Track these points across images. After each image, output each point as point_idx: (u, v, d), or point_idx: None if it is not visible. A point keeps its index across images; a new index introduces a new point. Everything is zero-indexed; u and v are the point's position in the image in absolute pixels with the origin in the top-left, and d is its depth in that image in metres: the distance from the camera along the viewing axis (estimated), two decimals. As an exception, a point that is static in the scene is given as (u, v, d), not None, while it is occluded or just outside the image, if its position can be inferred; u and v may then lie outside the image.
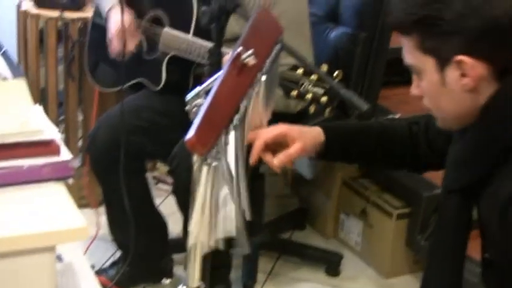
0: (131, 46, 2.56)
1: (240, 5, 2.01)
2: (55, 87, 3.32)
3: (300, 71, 1.86)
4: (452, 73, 1.43)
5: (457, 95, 1.45)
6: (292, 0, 2.48)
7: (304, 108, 2.00)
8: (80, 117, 3.45)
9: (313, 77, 1.84)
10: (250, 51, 1.38)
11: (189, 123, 2.27)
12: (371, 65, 2.74)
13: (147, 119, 2.58)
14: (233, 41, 2.35)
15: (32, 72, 3.32)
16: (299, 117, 2.40)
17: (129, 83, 2.63)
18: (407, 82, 3.76)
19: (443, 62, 1.43)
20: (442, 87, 1.45)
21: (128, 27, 2.53)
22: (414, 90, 1.53)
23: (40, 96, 3.35)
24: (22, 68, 3.28)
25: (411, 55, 1.47)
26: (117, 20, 2.53)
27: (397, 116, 3.14)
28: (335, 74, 1.73)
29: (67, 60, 3.27)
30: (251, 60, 1.38)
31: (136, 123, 2.56)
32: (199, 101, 1.40)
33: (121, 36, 2.47)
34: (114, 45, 2.55)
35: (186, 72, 2.53)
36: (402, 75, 3.83)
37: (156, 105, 2.59)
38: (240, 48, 1.39)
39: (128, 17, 2.56)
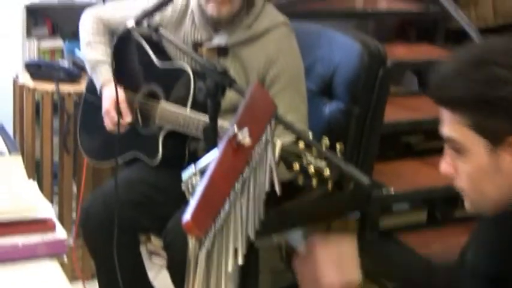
0: (127, 119, 2.57)
1: (235, 81, 2.04)
2: (50, 159, 3.34)
3: (302, 144, 1.87)
4: (504, 157, 1.37)
5: (505, 180, 1.38)
6: (289, 59, 2.51)
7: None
8: (74, 189, 3.45)
9: (315, 150, 1.85)
10: (245, 132, 1.39)
11: (183, 199, 2.28)
12: (365, 140, 2.74)
13: (142, 193, 2.57)
14: (231, 111, 2.39)
15: (27, 144, 3.34)
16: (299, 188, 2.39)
17: (123, 156, 2.63)
18: (401, 156, 3.81)
19: (496, 144, 1.37)
20: (489, 171, 1.38)
21: (122, 102, 2.56)
22: (446, 168, 1.46)
23: (35, 167, 3.36)
24: (18, 142, 3.29)
25: (457, 132, 1.40)
26: (110, 94, 2.56)
27: (391, 190, 3.15)
28: (337, 148, 1.73)
29: (62, 133, 3.29)
30: (247, 140, 1.39)
31: (130, 198, 2.55)
32: (195, 181, 1.41)
33: (115, 112, 2.49)
34: (108, 120, 2.57)
35: (182, 147, 2.54)
36: (395, 150, 3.89)
37: (150, 179, 2.59)
38: (235, 129, 1.40)
39: (121, 91, 2.59)
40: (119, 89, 2.54)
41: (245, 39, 2.49)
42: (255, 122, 1.48)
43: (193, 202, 1.25)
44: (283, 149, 1.92)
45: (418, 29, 4.55)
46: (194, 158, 2.54)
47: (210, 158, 1.42)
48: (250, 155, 1.43)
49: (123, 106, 2.57)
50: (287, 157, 1.89)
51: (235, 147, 1.38)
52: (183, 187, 1.42)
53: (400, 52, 4.03)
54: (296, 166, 1.89)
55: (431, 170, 3.46)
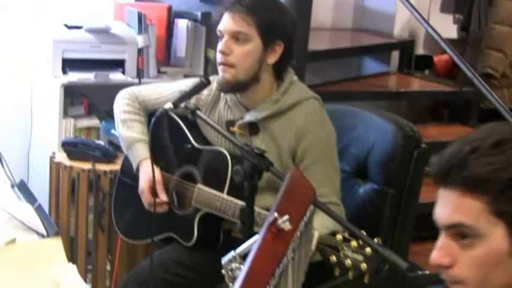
0: (163, 198, 2.58)
1: (272, 164, 2.06)
2: (84, 236, 3.36)
3: (339, 236, 1.87)
4: None
5: None
6: (319, 131, 2.51)
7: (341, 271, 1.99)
8: (108, 267, 3.45)
9: (353, 243, 1.86)
10: (285, 217, 1.40)
11: (217, 279, 2.28)
12: (400, 221, 2.73)
13: (176, 273, 2.57)
14: (266, 190, 2.40)
15: (62, 221, 3.36)
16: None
17: (159, 237, 2.64)
18: (436, 236, 3.76)
19: None
20: (505, 256, 1.31)
21: (158, 183, 2.58)
22: (441, 257, 1.35)
23: (69, 244, 3.38)
24: (53, 219, 3.31)
25: (471, 216, 1.31)
26: (147, 174, 2.58)
27: (427, 272, 3.12)
28: (375, 240, 1.74)
29: (97, 211, 3.32)
30: (287, 226, 1.40)
31: (165, 278, 2.55)
32: (235, 265, 1.41)
33: (151, 189, 2.51)
34: (146, 198, 2.58)
35: (217, 228, 2.54)
36: (430, 231, 3.86)
37: (184, 259, 2.59)
38: (275, 214, 1.40)
39: (157, 171, 2.61)
40: (155, 168, 2.57)
41: (274, 113, 2.51)
42: (294, 207, 1.49)
43: (235, 288, 1.25)
44: (320, 241, 1.92)
45: (451, 109, 4.58)
46: (228, 238, 2.56)
47: (250, 243, 1.43)
48: (290, 239, 1.43)
49: (159, 187, 2.58)
50: (324, 249, 1.90)
51: (275, 232, 1.39)
52: (223, 271, 1.42)
53: (433, 132, 4.04)
54: (333, 258, 1.89)
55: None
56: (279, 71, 2.51)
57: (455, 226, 1.33)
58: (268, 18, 2.43)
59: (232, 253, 1.43)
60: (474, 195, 1.31)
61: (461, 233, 1.33)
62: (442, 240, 1.36)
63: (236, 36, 2.44)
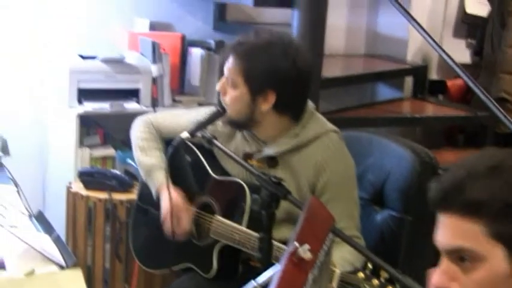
0: (186, 225, 2.58)
1: (290, 192, 2.06)
2: (101, 266, 3.37)
3: (361, 275, 1.87)
4: None
5: None
6: (339, 165, 2.50)
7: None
8: (125, 296, 3.45)
9: (375, 282, 1.85)
10: (306, 246, 1.40)
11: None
12: (418, 248, 2.72)
13: (194, 303, 2.56)
14: (285, 220, 2.40)
15: (79, 251, 3.37)
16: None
17: (177, 267, 2.63)
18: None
19: None
20: (505, 277, 1.32)
21: (182, 205, 2.58)
22: (442, 280, 1.36)
23: (87, 273, 3.38)
24: (70, 249, 3.32)
25: (471, 240, 1.33)
26: (168, 202, 2.57)
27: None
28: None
29: (114, 241, 3.32)
30: (307, 255, 1.40)
31: (184, 308, 2.54)
32: (256, 296, 1.42)
33: (172, 215, 2.51)
34: (168, 224, 2.57)
35: (235, 258, 2.52)
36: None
37: (203, 289, 2.58)
38: (295, 244, 1.40)
39: (179, 195, 2.61)
40: (178, 195, 2.58)
41: (293, 148, 2.50)
42: (314, 236, 1.49)
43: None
44: (342, 279, 1.92)
45: (466, 134, 4.57)
46: (247, 267, 2.55)
47: (270, 273, 1.42)
48: (311, 269, 1.43)
49: (184, 207, 2.58)
50: (346, 287, 1.90)
51: (296, 262, 1.39)
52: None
53: (448, 158, 4.03)
54: None
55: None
56: (282, 113, 2.48)
57: (456, 250, 1.35)
58: (256, 68, 2.41)
59: (253, 283, 1.43)
60: (472, 219, 1.33)
61: (462, 257, 1.35)
62: (444, 264, 1.38)
63: (228, 80, 2.47)
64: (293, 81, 2.43)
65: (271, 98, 2.43)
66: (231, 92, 2.47)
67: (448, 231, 1.36)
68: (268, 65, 2.40)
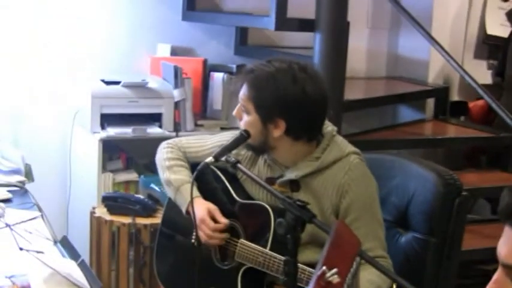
0: (224, 221, 2.57)
1: (315, 215, 2.06)
2: (126, 290, 3.38)
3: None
4: None
5: None
6: (361, 187, 2.50)
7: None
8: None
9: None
10: (334, 270, 1.40)
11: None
12: (443, 270, 2.70)
13: (220, 327, 2.56)
14: (310, 243, 2.40)
15: (104, 275, 3.39)
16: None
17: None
18: (479, 286, 3.72)
19: None
20: None
21: (213, 207, 2.59)
22: (490, 286, 1.36)
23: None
24: (96, 274, 3.33)
25: None
26: (204, 204, 2.58)
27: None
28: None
29: (138, 265, 3.33)
30: (335, 279, 1.40)
31: (209, 333, 2.54)
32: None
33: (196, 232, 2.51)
34: (205, 228, 2.56)
35: (260, 281, 2.52)
36: (473, 278, 3.82)
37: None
38: (323, 267, 1.40)
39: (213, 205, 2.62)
40: (210, 203, 2.60)
41: (314, 171, 2.50)
42: (341, 259, 1.49)
43: None
44: None
45: (488, 155, 4.55)
46: (271, 291, 2.55)
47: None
48: (339, 293, 1.43)
49: (217, 212, 2.59)
50: None
51: (323, 286, 1.39)
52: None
53: (471, 179, 4.02)
54: None
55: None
56: (296, 138, 2.49)
57: (510, 267, 1.34)
58: (265, 97, 2.43)
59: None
60: None
61: None
62: (498, 274, 1.37)
63: (242, 106, 2.51)
64: (302, 109, 2.44)
65: (282, 125, 2.45)
66: (245, 118, 2.50)
67: (507, 245, 1.35)
68: (275, 94, 2.42)
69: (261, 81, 2.45)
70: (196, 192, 2.62)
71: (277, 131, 2.46)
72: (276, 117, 2.44)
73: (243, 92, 2.49)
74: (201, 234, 2.58)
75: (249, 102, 2.48)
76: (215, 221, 2.58)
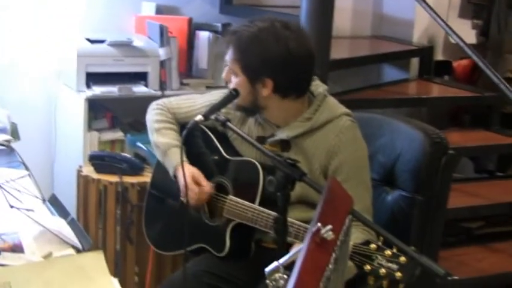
0: (209, 188, 2.60)
1: (305, 173, 2.08)
2: (113, 248, 3.39)
3: (373, 245, 1.88)
4: None
5: None
6: (351, 149, 2.51)
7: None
8: (136, 278, 3.47)
9: (387, 252, 1.87)
10: (328, 227, 1.41)
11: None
12: (429, 228, 2.74)
13: (209, 284, 2.58)
14: (297, 203, 2.42)
15: (91, 233, 3.40)
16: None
17: (191, 248, 2.65)
18: (462, 242, 3.79)
19: None
20: None
21: (198, 173, 2.61)
22: None
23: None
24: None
25: None
26: (187, 171, 2.57)
27: (456, 277, 3.11)
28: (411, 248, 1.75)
29: (125, 224, 3.34)
30: (330, 236, 1.41)
31: (198, 289, 2.56)
32: (278, 276, 1.43)
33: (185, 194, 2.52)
34: (190, 193, 2.56)
35: (248, 238, 2.55)
36: (457, 236, 3.87)
37: (217, 270, 2.60)
38: (318, 224, 1.42)
39: (194, 168, 2.63)
40: (193, 167, 2.61)
41: (305, 131, 2.51)
42: (335, 216, 1.50)
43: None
44: (354, 250, 1.93)
45: (472, 114, 4.58)
46: (259, 248, 2.58)
47: (292, 254, 1.44)
48: (333, 249, 1.44)
49: (201, 177, 2.60)
50: (358, 258, 1.91)
51: (318, 242, 1.40)
52: (267, 281, 1.44)
53: (455, 138, 4.04)
54: (367, 267, 1.90)
55: (494, 256, 3.43)
56: (285, 96, 2.49)
57: None
58: (249, 57, 2.44)
59: (276, 263, 1.45)
60: None
61: None
62: None
63: (229, 68, 2.52)
64: (288, 66, 2.44)
65: (269, 84, 2.45)
66: (233, 80, 2.50)
67: None
68: (261, 53, 2.43)
69: (244, 42, 2.45)
70: (183, 157, 2.63)
71: (266, 90, 2.47)
72: (262, 77, 2.45)
73: (229, 54, 2.50)
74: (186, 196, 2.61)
75: (235, 65, 2.48)
76: (199, 184, 2.59)
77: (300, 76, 2.49)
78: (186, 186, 2.50)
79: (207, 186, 2.60)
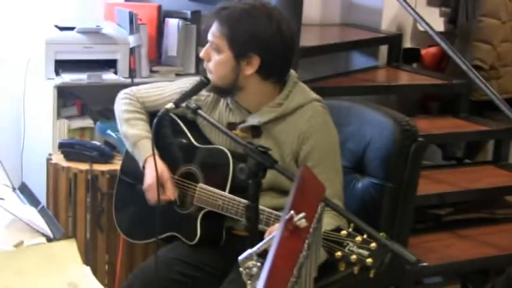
0: (171, 193, 2.60)
1: (277, 161, 2.09)
2: (83, 237, 3.37)
3: (344, 232, 1.90)
4: None
5: None
6: (322, 134, 2.53)
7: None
8: (106, 267, 3.46)
9: (358, 238, 1.88)
10: (301, 215, 1.42)
11: (222, 276, 2.31)
12: (399, 215, 2.77)
13: (181, 272, 2.58)
14: (267, 190, 2.43)
15: (61, 221, 3.36)
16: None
17: (162, 236, 2.65)
18: (431, 229, 3.82)
19: None
20: None
21: (167, 174, 2.60)
22: None
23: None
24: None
25: None
26: (153, 170, 2.57)
27: (425, 263, 3.16)
28: (382, 235, 1.76)
29: (95, 212, 3.33)
30: (303, 223, 1.43)
31: (169, 277, 2.56)
32: (252, 263, 1.44)
33: (157, 186, 2.52)
34: (153, 192, 2.58)
35: (219, 226, 2.56)
36: (426, 223, 3.91)
37: (188, 258, 2.60)
38: (291, 212, 1.43)
39: (164, 166, 2.63)
40: (163, 165, 2.59)
41: (276, 117, 2.53)
42: (307, 204, 1.52)
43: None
44: (325, 237, 1.95)
45: (440, 101, 4.61)
46: (230, 236, 2.59)
47: (265, 242, 1.45)
48: (306, 236, 1.46)
49: (169, 184, 2.60)
50: (329, 244, 1.92)
51: (292, 230, 1.42)
52: (240, 269, 1.45)
53: (423, 126, 4.08)
54: (338, 254, 1.92)
55: (463, 243, 3.47)
56: (266, 78, 2.51)
57: None
58: (240, 32, 2.44)
59: (249, 251, 1.46)
60: None
61: None
62: None
63: (212, 45, 2.49)
64: (277, 46, 2.46)
65: (256, 62, 2.46)
66: (215, 57, 2.49)
67: None
68: (252, 29, 2.44)
69: (235, 17, 2.45)
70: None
71: (250, 69, 2.46)
72: (250, 53, 2.45)
73: (216, 29, 2.48)
74: (147, 196, 2.62)
75: (221, 39, 2.47)
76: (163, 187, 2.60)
77: (285, 58, 2.51)
78: (157, 182, 2.50)
79: (170, 190, 2.60)
